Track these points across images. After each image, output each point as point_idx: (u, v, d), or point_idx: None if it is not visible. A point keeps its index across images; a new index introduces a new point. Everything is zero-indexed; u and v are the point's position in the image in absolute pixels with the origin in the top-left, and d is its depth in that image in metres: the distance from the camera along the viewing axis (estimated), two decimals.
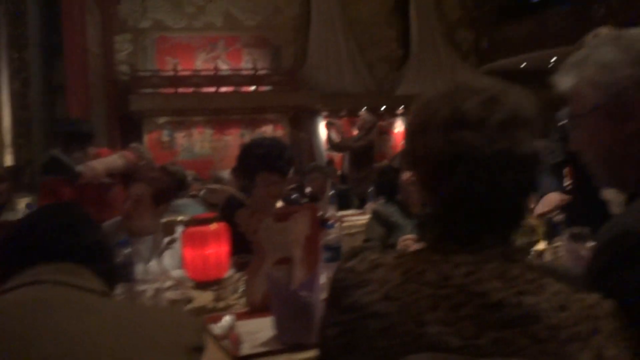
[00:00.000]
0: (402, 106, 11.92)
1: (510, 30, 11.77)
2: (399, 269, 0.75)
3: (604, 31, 2.06)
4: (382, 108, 11.74)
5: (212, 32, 11.90)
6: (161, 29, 11.59)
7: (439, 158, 0.73)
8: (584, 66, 0.87)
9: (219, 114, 11.33)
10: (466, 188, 0.72)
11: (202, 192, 4.54)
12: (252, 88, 11.65)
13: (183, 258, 1.76)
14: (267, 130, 11.79)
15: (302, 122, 11.63)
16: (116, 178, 3.13)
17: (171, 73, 11.15)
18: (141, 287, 1.71)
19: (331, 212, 4.08)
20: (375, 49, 12.74)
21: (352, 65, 12.15)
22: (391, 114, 12.17)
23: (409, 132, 0.79)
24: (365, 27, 12.62)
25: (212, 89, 11.23)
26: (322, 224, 1.88)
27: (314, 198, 4.95)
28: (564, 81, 0.90)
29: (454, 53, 12.73)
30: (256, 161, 2.34)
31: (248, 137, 10.75)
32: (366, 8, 12.67)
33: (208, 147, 11.25)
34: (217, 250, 1.70)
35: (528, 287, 0.69)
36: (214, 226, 1.71)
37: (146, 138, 10.81)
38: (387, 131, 11.99)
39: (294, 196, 3.00)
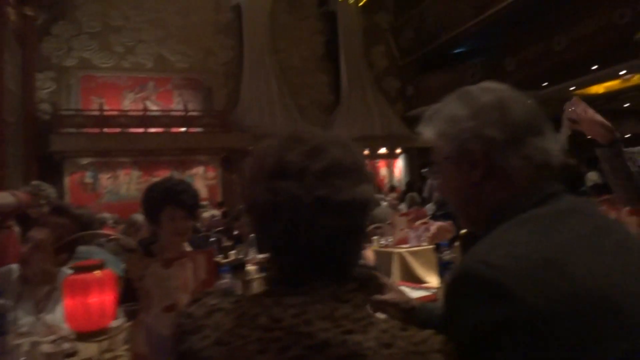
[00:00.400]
0: None
1: (433, 79, 12.50)
2: (234, 314, 0.76)
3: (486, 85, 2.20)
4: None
5: (142, 73, 11.77)
6: (87, 67, 11.32)
7: (263, 206, 0.76)
8: (435, 120, 0.94)
9: (148, 155, 11.06)
10: (289, 234, 0.74)
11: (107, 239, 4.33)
12: (183, 129, 11.52)
13: (64, 308, 1.66)
14: (199, 171, 11.62)
15: (233, 164, 11.58)
16: (7, 219, 2.92)
17: (97, 112, 10.82)
18: (16, 341, 1.59)
19: (252, 255, 4.03)
20: (307, 93, 13.08)
21: (284, 108, 12.36)
22: None
23: (244, 181, 0.81)
24: (296, 72, 12.97)
25: (140, 130, 10.97)
26: (217, 269, 1.84)
27: (239, 240, 4.88)
28: (424, 133, 0.96)
29: (382, 99, 13.29)
30: (160, 195, 2.26)
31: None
32: (297, 54, 13.06)
33: (135, 189, 10.89)
34: (100, 298, 1.62)
35: (355, 326, 0.71)
36: (97, 273, 1.63)
37: (67, 180, 10.32)
38: None
39: (202, 237, 2.93)
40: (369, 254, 2.22)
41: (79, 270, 1.64)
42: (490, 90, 0.91)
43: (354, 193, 0.75)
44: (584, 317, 0.69)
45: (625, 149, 1.40)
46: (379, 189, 11.56)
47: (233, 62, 12.53)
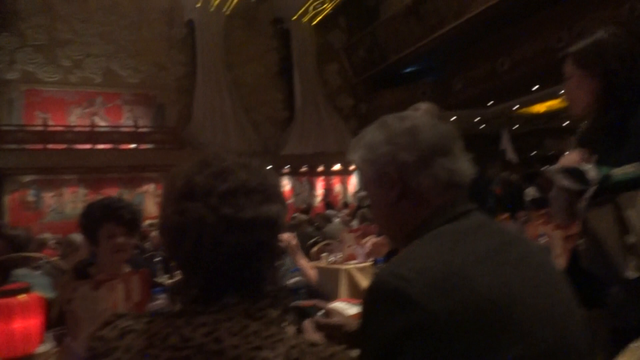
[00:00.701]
0: (288, 165, 12.19)
1: (385, 97, 12.80)
2: (145, 335, 0.76)
3: (423, 106, 2.28)
4: (268, 167, 11.91)
5: (90, 88, 11.44)
6: (31, 81, 10.90)
7: (172, 226, 0.79)
8: (358, 146, 1.01)
9: (95, 172, 10.71)
10: (197, 253, 0.77)
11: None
12: (133, 146, 11.24)
13: None
14: (149, 189, 11.35)
15: None
16: None
17: (40, 127, 10.41)
18: None
19: None
20: (261, 110, 13.08)
21: (238, 125, 12.30)
22: (277, 173, 12.38)
23: (159, 203, 0.84)
24: (251, 88, 12.97)
25: (87, 146, 10.63)
26: (152, 289, 1.80)
27: None
28: (352, 159, 1.04)
29: (335, 116, 13.46)
30: (98, 212, 2.19)
31: (127, 196, 10.23)
32: (252, 71, 13.08)
33: (81, 207, 10.44)
34: (25, 323, 1.54)
35: (264, 343, 0.73)
36: (22, 297, 1.56)
37: (7, 198, 9.84)
38: None
39: (146, 257, 2.86)
40: (312, 271, 2.23)
41: (1, 294, 1.56)
42: (404, 118, 0.99)
43: (258, 211, 0.78)
44: (482, 325, 0.75)
45: (545, 168, 1.48)
46: (331, 205, 11.64)
47: (186, 77, 12.40)
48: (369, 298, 0.83)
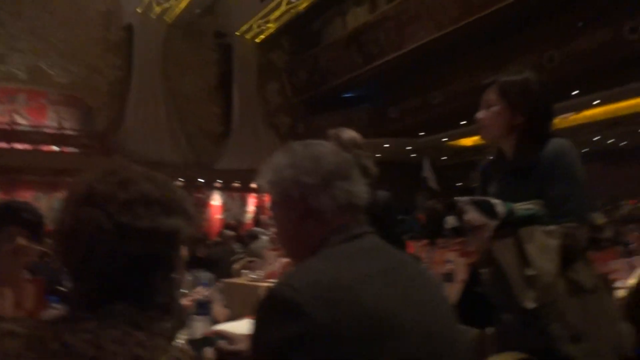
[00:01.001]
0: (221, 180, 12.01)
1: (323, 119, 13.00)
2: (25, 339, 0.74)
3: (347, 132, 2.33)
4: (201, 180, 11.68)
5: (13, 83, 10.76)
6: None
7: (66, 231, 0.78)
8: (266, 170, 1.06)
9: (11, 173, 10.00)
10: (89, 259, 0.76)
11: None
12: (56, 148, 10.64)
13: None
14: None
15: None
16: None
17: None
18: None
19: None
20: (196, 122, 12.86)
21: (171, 136, 12.00)
22: (209, 187, 12.15)
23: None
24: (187, 100, 12.74)
25: (3, 144, 9.95)
26: (49, 297, 1.70)
27: None
28: (259, 182, 1.08)
29: (272, 134, 13.48)
30: (1, 211, 2.06)
31: (44, 201, 9.63)
32: (190, 82, 12.87)
33: None
34: None
35: (146, 353, 0.73)
36: None
37: None
38: (203, 204, 11.87)
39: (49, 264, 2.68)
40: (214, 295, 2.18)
41: None
42: (309, 144, 1.05)
43: (157, 223, 0.79)
44: (364, 336, 0.80)
45: (457, 198, 1.56)
46: (261, 223, 11.54)
47: (120, 82, 11.97)
48: (261, 307, 0.86)
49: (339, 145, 2.28)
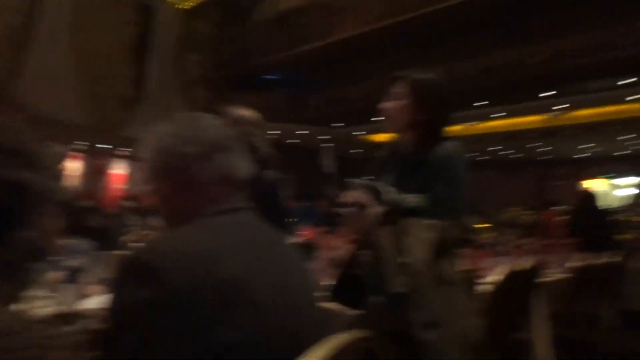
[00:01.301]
0: (128, 148, 11.42)
1: (242, 98, 12.73)
2: None
3: (247, 112, 2.38)
4: (105, 146, 11.04)
5: None
6: None
7: None
8: (147, 138, 1.06)
9: None
10: None
11: None
12: None
13: None
14: None
15: None
16: None
17: None
18: None
19: None
20: (106, 83, 12.05)
21: (77, 94, 11.17)
22: (111, 154, 11.52)
23: None
24: (99, 59, 11.88)
25: None
26: None
27: None
28: (140, 150, 1.07)
29: (188, 107, 13.00)
30: None
31: None
32: (103, 40, 12.00)
33: None
34: None
35: None
36: None
37: None
38: (102, 171, 11.23)
39: None
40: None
41: None
42: (194, 116, 1.07)
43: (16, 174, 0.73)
44: (220, 303, 0.82)
45: (350, 179, 1.63)
46: None
47: (22, 28, 10.89)
48: (120, 270, 0.86)
49: (230, 121, 2.31)
